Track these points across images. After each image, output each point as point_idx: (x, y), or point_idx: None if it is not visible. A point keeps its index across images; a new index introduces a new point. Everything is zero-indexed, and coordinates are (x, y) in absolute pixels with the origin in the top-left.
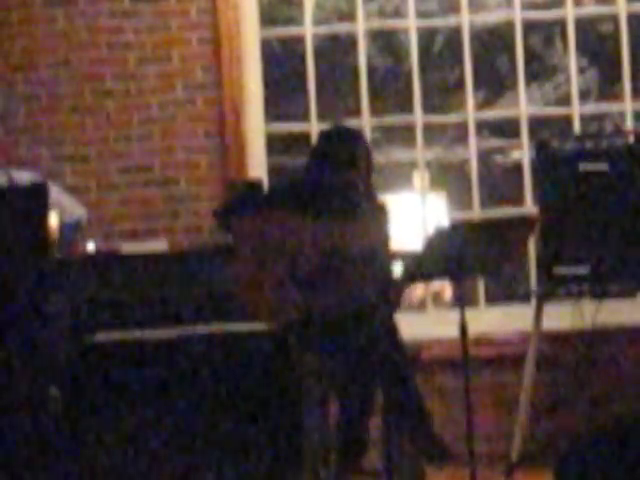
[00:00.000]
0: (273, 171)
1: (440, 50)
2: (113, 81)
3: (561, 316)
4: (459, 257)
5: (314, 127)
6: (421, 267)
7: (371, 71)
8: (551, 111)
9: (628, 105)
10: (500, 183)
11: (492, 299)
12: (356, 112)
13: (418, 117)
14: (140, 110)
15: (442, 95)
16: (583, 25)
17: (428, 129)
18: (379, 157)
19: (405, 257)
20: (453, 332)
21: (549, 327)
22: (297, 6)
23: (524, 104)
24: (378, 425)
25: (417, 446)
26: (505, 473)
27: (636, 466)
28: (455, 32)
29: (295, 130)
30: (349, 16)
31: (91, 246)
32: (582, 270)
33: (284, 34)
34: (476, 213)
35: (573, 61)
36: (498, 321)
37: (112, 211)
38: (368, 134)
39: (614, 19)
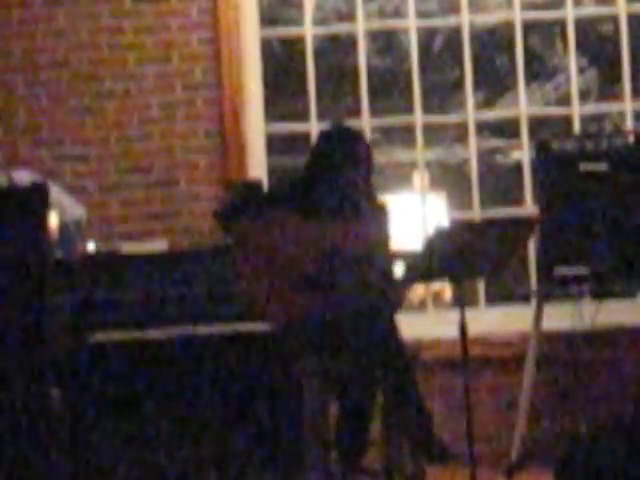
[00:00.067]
0: (273, 171)
1: (440, 50)
2: (113, 81)
3: (561, 316)
4: (459, 257)
5: (314, 127)
6: (421, 267)
7: (371, 71)
8: (551, 111)
9: (628, 105)
10: (500, 183)
11: (492, 299)
12: (356, 112)
13: (418, 117)
14: (140, 110)
15: (442, 95)
16: (583, 25)
17: (428, 129)
18: (379, 157)
19: (405, 257)
20: (453, 332)
21: (549, 327)
22: (297, 6)
23: (524, 104)
24: (378, 425)
25: (417, 446)
26: (505, 473)
27: (636, 466)
28: (455, 32)
29: (295, 130)
30: (349, 16)
31: (91, 246)
32: (582, 270)
33: (284, 34)
34: (476, 213)
35: (573, 61)
36: (498, 321)
37: (112, 211)
38: (368, 134)
39: (614, 19)
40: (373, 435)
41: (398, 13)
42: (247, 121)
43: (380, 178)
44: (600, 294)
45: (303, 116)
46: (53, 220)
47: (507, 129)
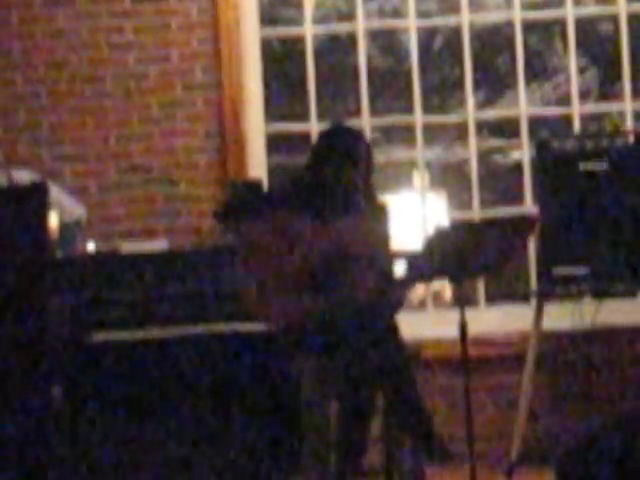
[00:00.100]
0: (273, 171)
1: (440, 50)
2: (113, 81)
3: (561, 316)
4: (459, 257)
5: (314, 127)
6: (421, 267)
7: (371, 71)
8: (551, 111)
9: (628, 105)
10: (500, 183)
11: (492, 299)
12: (356, 112)
13: (418, 117)
14: (140, 110)
15: (442, 95)
16: (583, 25)
17: (428, 129)
18: (379, 157)
19: (405, 257)
20: (453, 332)
21: (549, 327)
22: (297, 6)
23: (524, 104)
24: (378, 425)
25: (417, 446)
26: (505, 473)
27: (636, 466)
28: (455, 32)
29: (295, 130)
30: (349, 16)
31: (91, 246)
32: (582, 270)
33: (284, 34)
34: (476, 213)
35: (573, 61)
36: (498, 321)
37: (112, 211)
38: (368, 134)
39: (614, 19)
40: (373, 435)
41: (398, 13)
42: (247, 121)
43: (380, 178)
44: (600, 294)
45: (303, 116)
46: (53, 220)
47: (507, 129)
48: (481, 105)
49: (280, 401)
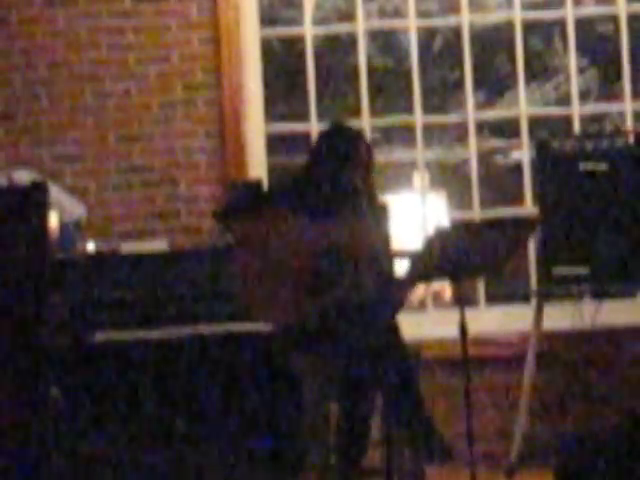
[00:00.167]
0: (273, 171)
1: (440, 50)
2: (113, 81)
3: (561, 316)
4: (459, 257)
5: (314, 127)
6: (421, 267)
7: (371, 71)
8: (551, 111)
9: (628, 105)
10: (500, 183)
11: (492, 299)
12: (356, 112)
13: (418, 117)
14: (140, 110)
15: (442, 95)
16: (583, 25)
17: (428, 129)
18: (379, 157)
19: (405, 257)
20: (453, 332)
21: (549, 327)
22: (297, 6)
23: (524, 104)
24: (378, 425)
25: (417, 446)
26: (505, 473)
27: (636, 466)
28: (455, 32)
29: (295, 130)
30: (349, 16)
31: (91, 246)
32: (582, 270)
33: (284, 34)
34: (476, 213)
35: (573, 61)
36: (498, 321)
37: (112, 211)
38: (368, 134)
39: (614, 19)
40: (373, 435)
41: (398, 13)
42: (247, 121)
43: (380, 178)
44: (600, 294)
45: (303, 116)
46: (53, 220)
47: (507, 129)
48: (481, 105)
49: (280, 401)
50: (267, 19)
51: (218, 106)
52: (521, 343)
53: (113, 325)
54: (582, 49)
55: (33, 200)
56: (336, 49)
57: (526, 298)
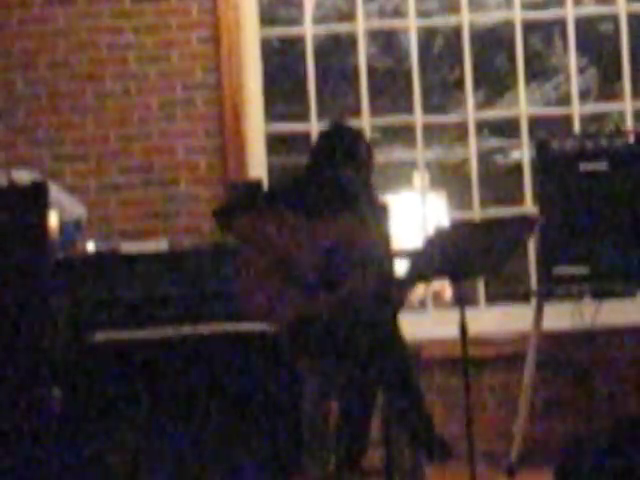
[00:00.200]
0: (273, 171)
1: (440, 50)
2: (113, 81)
3: (561, 316)
4: (459, 257)
5: (314, 127)
6: (421, 267)
7: (371, 71)
8: (551, 111)
9: (628, 105)
10: (500, 183)
11: (492, 299)
12: (356, 112)
13: (418, 117)
14: (140, 110)
15: (442, 95)
16: (583, 25)
17: (428, 129)
18: (379, 157)
19: (405, 257)
20: (453, 332)
21: (549, 327)
22: (297, 6)
23: (524, 104)
24: (378, 425)
25: (417, 445)
26: (505, 473)
27: (636, 466)
28: (455, 32)
29: (295, 130)
30: (349, 16)
31: (91, 246)
32: (582, 270)
33: (284, 34)
34: (476, 213)
35: (573, 61)
36: (498, 321)
37: (112, 211)
38: (368, 134)
39: (614, 19)
40: (373, 435)
41: (398, 13)
42: (247, 121)
43: (380, 178)
44: (600, 294)
45: (303, 116)
46: (53, 220)
47: (507, 129)
48: (481, 105)
49: (280, 401)
50: (267, 19)
51: (218, 106)
52: (521, 343)
53: (113, 325)
54: (582, 49)
55: (33, 200)
56: (336, 49)
57: (526, 298)
